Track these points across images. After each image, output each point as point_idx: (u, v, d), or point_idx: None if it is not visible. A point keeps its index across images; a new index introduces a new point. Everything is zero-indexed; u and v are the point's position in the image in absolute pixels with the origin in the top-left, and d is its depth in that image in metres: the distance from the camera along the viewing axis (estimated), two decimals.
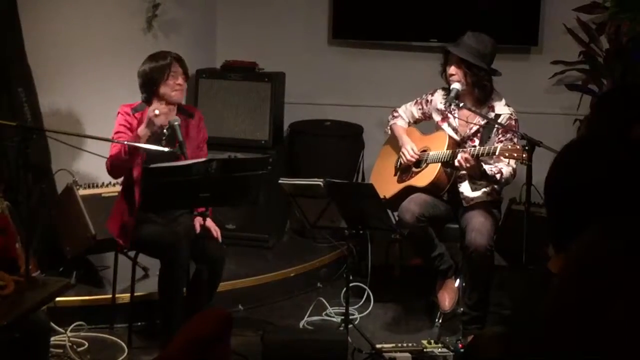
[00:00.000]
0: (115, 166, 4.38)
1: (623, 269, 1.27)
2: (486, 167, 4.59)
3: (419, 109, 4.99)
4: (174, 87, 4.46)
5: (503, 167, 4.59)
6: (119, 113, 4.49)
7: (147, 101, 4.50)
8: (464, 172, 4.68)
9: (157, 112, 4.27)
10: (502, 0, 6.04)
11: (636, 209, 1.52)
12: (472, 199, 4.71)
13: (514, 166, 4.60)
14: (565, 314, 1.32)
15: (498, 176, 4.60)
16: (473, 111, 4.69)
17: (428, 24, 6.14)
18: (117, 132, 4.43)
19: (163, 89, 4.46)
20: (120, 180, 4.60)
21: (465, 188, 4.73)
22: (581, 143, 1.71)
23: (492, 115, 4.70)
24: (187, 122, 4.57)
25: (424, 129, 5.04)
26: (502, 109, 4.72)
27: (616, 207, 1.54)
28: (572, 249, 1.37)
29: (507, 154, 4.34)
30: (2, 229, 3.74)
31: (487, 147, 4.50)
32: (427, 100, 4.95)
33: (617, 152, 1.58)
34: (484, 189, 4.71)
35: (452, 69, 4.69)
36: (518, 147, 4.30)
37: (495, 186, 4.73)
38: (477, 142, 4.72)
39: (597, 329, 1.26)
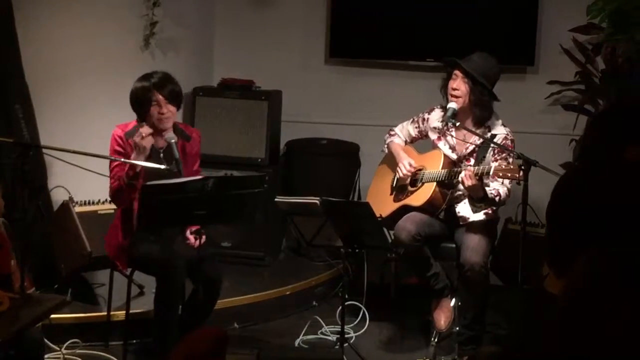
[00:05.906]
0: (117, 197, 4.38)
1: (619, 292, 1.27)
2: (486, 188, 4.59)
3: (416, 127, 4.99)
4: (158, 117, 4.38)
5: (500, 188, 4.60)
6: (112, 137, 4.42)
7: (142, 121, 4.44)
8: (460, 192, 4.67)
9: (142, 134, 4.26)
10: (499, 20, 6.06)
11: (633, 231, 1.53)
12: (469, 218, 4.71)
13: (509, 186, 4.60)
14: (562, 335, 1.32)
15: (497, 198, 4.61)
16: (470, 131, 4.69)
17: (425, 43, 6.16)
18: (114, 166, 4.37)
19: (149, 118, 4.40)
20: None
21: (462, 208, 4.72)
22: (579, 170, 1.71)
23: (488, 135, 4.70)
24: (183, 143, 4.53)
25: (421, 149, 5.05)
26: (498, 129, 4.72)
27: (614, 231, 1.54)
28: (571, 272, 1.37)
29: (501, 174, 4.35)
30: None
31: (483, 167, 4.51)
32: (423, 119, 4.96)
33: (613, 177, 1.58)
34: (483, 211, 4.70)
35: (456, 84, 4.68)
36: (512, 166, 4.30)
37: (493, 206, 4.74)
38: (472, 161, 4.72)
39: (593, 353, 1.26)
